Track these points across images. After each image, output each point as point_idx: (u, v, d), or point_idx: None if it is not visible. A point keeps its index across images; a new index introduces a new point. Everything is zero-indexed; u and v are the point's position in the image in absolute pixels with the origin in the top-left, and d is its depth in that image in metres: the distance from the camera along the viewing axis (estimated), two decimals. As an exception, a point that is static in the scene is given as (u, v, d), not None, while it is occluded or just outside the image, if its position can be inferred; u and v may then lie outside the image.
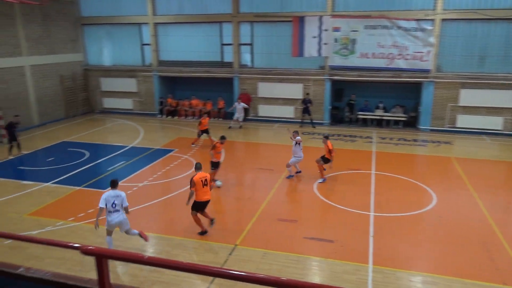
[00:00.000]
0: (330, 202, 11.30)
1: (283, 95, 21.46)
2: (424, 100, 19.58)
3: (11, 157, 15.40)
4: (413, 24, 18.93)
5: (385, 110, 20.75)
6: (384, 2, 19.26)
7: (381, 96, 21.08)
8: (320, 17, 20.00)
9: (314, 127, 20.40)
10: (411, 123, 20.51)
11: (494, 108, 18.76)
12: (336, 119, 21.54)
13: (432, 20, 18.80)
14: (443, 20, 18.74)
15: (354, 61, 20.05)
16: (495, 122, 18.81)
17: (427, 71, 19.28)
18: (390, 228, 9.78)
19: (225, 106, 22.63)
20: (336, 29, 19.99)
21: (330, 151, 12.78)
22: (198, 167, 9.66)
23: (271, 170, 14.01)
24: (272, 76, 21.54)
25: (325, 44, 20.24)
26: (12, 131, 15.37)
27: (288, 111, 21.58)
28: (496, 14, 18.01)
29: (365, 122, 21.06)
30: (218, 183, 12.44)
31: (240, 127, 20.39)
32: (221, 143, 12.47)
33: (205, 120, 17.11)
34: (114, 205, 8.29)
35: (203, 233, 9.43)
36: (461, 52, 18.95)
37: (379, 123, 20.67)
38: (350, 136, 18.78)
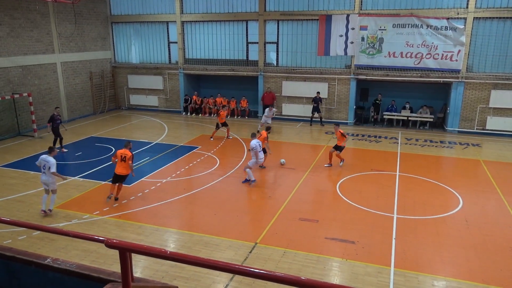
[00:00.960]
0: (352, 203, 11.18)
1: (308, 94, 21.34)
2: (453, 101, 19.06)
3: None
4: (443, 23, 18.45)
5: (412, 110, 20.32)
6: (414, 0, 18.86)
7: (408, 96, 20.67)
8: (347, 16, 19.77)
9: (323, 125, 20.34)
10: (438, 124, 20.02)
11: (527, 110, 18.08)
12: (361, 119, 21.26)
13: (464, 18, 18.27)
14: (475, 18, 18.19)
15: (380, 60, 19.73)
16: (527, 124, 18.13)
17: (457, 71, 18.76)
18: (413, 231, 9.61)
19: (248, 105, 22.72)
20: (364, 28, 19.72)
21: (342, 135, 13.80)
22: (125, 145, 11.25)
23: (293, 169, 13.99)
24: (296, 75, 21.47)
25: (352, 43, 20.01)
26: (54, 126, 15.58)
27: (311, 111, 21.44)
28: (531, 12, 17.33)
29: (390, 123, 20.70)
30: (282, 160, 14.47)
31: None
32: (268, 132, 14.14)
33: (223, 112, 17.47)
34: (44, 167, 10.21)
35: (108, 197, 10.95)
36: (493, 52, 18.36)
37: (405, 123, 20.27)
38: (375, 136, 18.51)
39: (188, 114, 23.57)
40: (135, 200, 11.42)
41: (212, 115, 23.04)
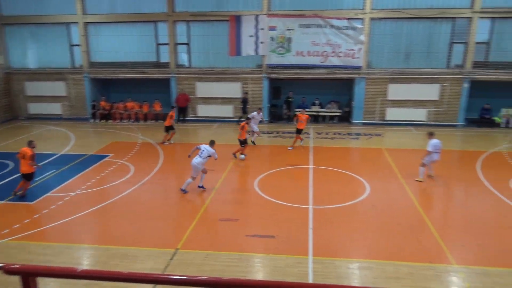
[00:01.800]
0: (271, 199, 11.46)
1: (222, 95, 21.43)
2: (357, 95, 20.53)
3: None
4: (344, 23, 19.76)
5: (321, 106, 21.48)
6: (317, 1, 19.92)
7: (317, 92, 21.78)
8: (256, 16, 20.22)
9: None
10: (345, 117, 21.40)
11: (419, 100, 20.16)
12: (275, 116, 21.91)
13: (362, 19, 19.74)
14: (372, 19, 19.76)
15: (290, 59, 20.51)
16: (420, 114, 20.23)
17: (358, 67, 20.22)
18: (328, 220, 10.13)
19: (162, 108, 22.14)
20: (272, 28, 20.33)
21: (304, 120, 16.08)
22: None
23: (212, 170, 13.92)
24: (210, 76, 21.43)
25: (262, 43, 20.51)
26: None
27: (227, 111, 21.58)
28: (419, 13, 19.33)
29: (303, 119, 21.64)
30: (242, 156, 14.99)
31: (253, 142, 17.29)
32: (247, 123, 15.33)
33: (173, 113, 17.49)
34: None
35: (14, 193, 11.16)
36: (388, 49, 20.11)
37: (315, 119, 21.34)
38: (289, 132, 19.19)
39: (97, 120, 22.26)
40: (41, 218, 10.45)
41: (123, 121, 22.03)
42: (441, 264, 8.18)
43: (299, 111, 16.79)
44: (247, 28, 20.44)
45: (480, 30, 19.37)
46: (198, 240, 9.25)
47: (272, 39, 20.40)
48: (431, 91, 19.98)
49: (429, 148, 12.47)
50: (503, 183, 12.47)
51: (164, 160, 15.17)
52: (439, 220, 10.32)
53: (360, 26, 19.73)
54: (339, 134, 18.84)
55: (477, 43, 19.48)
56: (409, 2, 19.40)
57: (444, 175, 13.45)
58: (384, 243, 9.07)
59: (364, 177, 13.06)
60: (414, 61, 20.12)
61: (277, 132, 19.26)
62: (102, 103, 22.36)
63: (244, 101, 20.75)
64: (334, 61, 20.26)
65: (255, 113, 17.27)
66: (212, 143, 12.20)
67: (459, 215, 10.82)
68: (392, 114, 20.35)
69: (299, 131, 16.30)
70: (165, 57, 21.80)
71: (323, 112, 21.29)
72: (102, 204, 11.26)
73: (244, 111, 20.70)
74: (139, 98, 22.48)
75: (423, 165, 12.73)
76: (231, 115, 21.57)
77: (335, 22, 19.79)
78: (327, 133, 18.93)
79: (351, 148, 17.09)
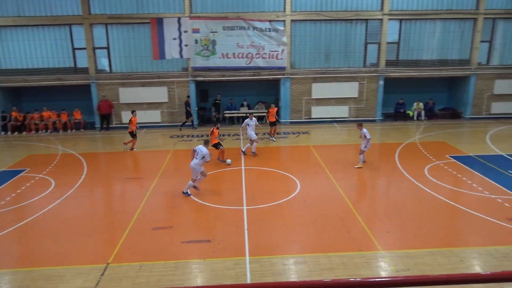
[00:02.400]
0: (204, 202, 11.33)
1: (148, 100, 20.77)
2: (283, 95, 21.10)
3: None
4: (267, 25, 20.20)
5: (249, 107, 21.73)
6: (240, 3, 20.12)
7: (245, 94, 22.03)
8: (179, 19, 19.89)
9: (195, 128, 20.65)
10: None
11: (341, 98, 21.26)
12: (204, 119, 21.75)
13: (283, 21, 20.33)
14: (292, 21, 20.43)
15: (216, 61, 20.49)
16: (342, 111, 21.36)
17: (283, 68, 20.80)
18: (262, 219, 10.27)
19: (82, 116, 20.88)
20: (196, 31, 20.15)
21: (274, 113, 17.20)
22: None
23: (141, 178, 13.45)
24: (134, 81, 20.66)
25: (186, 45, 20.24)
26: None
27: (155, 116, 20.98)
28: (336, 15, 20.39)
29: (232, 120, 21.74)
30: (228, 161, 14.60)
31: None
32: (217, 127, 14.81)
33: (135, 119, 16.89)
34: None
35: None
36: (310, 50, 20.94)
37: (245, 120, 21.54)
38: (219, 135, 19.12)
39: (9, 133, 20.37)
40: None
41: (39, 132, 20.41)
42: (370, 251, 8.68)
43: (270, 107, 17.88)
44: (170, 30, 20.04)
45: (391, 31, 20.96)
46: (131, 252, 8.85)
47: (196, 41, 20.22)
48: (351, 89, 21.19)
49: (368, 136, 13.72)
50: (419, 171, 13.60)
51: (88, 171, 14.32)
52: (365, 210, 10.95)
53: (282, 28, 20.31)
54: (269, 134, 19.21)
55: (389, 43, 21.05)
56: (326, 4, 20.39)
57: (367, 167, 14.31)
58: (317, 236, 9.41)
59: (295, 174, 13.45)
60: (334, 61, 21.19)
61: (207, 135, 19.10)
62: (14, 114, 20.51)
63: (187, 104, 20.39)
64: (259, 62, 20.63)
65: (247, 120, 16.04)
66: (206, 143, 11.91)
67: (382, 204, 11.58)
68: (317, 112, 21.25)
69: (272, 123, 17.65)
70: (83, 62, 20.58)
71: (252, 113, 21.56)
72: (20, 224, 10.31)
73: (188, 115, 20.37)
74: (57, 106, 20.97)
75: (362, 152, 13.97)
76: (158, 120, 20.99)
77: (257, 24, 20.16)
78: (256, 134, 19.17)
79: (280, 147, 17.52)
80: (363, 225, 9.90)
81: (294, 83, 21.10)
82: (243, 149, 15.99)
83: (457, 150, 16.01)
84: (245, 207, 10.97)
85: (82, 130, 20.75)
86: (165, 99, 20.81)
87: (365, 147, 13.91)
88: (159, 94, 20.72)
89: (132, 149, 16.77)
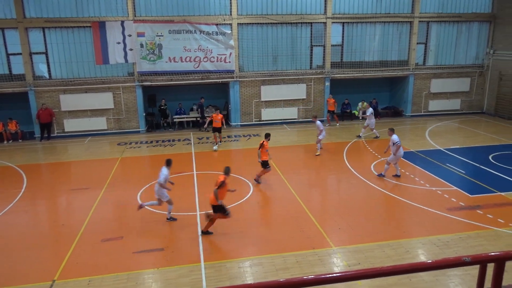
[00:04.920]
0: (156, 211, 11.03)
1: (92, 106, 19.91)
2: (232, 98, 21.10)
3: None
4: (214, 28, 20.12)
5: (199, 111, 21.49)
6: (186, 7, 19.87)
7: (194, 98, 21.75)
8: (122, 22, 19.29)
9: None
10: (224, 121, 21.83)
11: (289, 100, 21.63)
12: (152, 125, 21.23)
13: (230, 24, 20.35)
14: (239, 24, 20.51)
15: (162, 65, 20.08)
16: (292, 112, 21.75)
17: (231, 71, 20.80)
18: (216, 223, 10.15)
19: (18, 127, 19.58)
20: (141, 34, 19.63)
21: (220, 119, 17.09)
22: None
23: (87, 188, 12.85)
24: (76, 87, 19.71)
25: (131, 50, 19.66)
26: None
27: (100, 123, 20.16)
28: (282, 19, 20.73)
29: (182, 125, 21.39)
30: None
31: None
32: (268, 140, 13.23)
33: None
34: None
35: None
36: (257, 53, 21.12)
37: (195, 124, 21.30)
38: (169, 140, 18.79)
39: None
40: None
41: (-27, 144, 18.90)
42: (323, 248, 8.89)
43: (215, 112, 17.81)
44: (113, 34, 19.36)
45: (334, 34, 21.66)
46: (79, 266, 8.43)
47: (141, 45, 19.70)
48: (299, 91, 21.63)
49: (322, 127, 15.59)
50: (366, 168, 14.14)
51: (29, 183, 13.46)
52: (317, 209, 11.20)
53: (229, 31, 20.33)
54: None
55: (333, 45, 21.73)
56: (272, 8, 20.68)
57: (318, 166, 14.66)
58: (271, 237, 9.49)
59: (247, 177, 13.47)
60: (281, 63, 21.52)
61: (157, 141, 18.68)
62: None
63: (201, 107, 20.63)
64: (207, 66, 20.50)
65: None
66: (167, 163, 10.37)
67: (333, 201, 11.90)
68: (267, 114, 21.45)
69: (216, 130, 17.28)
70: (19, 69, 19.31)
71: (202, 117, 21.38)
72: (-49, 245, 9.47)
73: (203, 116, 20.49)
74: (-10, 116, 19.51)
75: (319, 141, 15.82)
76: (104, 128, 20.18)
77: (204, 28, 20.03)
78: (207, 138, 19.04)
79: (232, 150, 17.50)
80: (316, 223, 10.12)
81: (243, 86, 21.18)
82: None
83: (400, 147, 16.83)
84: (198, 213, 10.82)
85: (20, 141, 19.46)
86: (111, 105, 20.06)
87: (322, 136, 15.62)
88: (104, 100, 19.92)
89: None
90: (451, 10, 22.45)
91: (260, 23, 20.77)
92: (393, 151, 12.94)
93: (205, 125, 19.78)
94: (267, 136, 13.25)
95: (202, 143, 18.18)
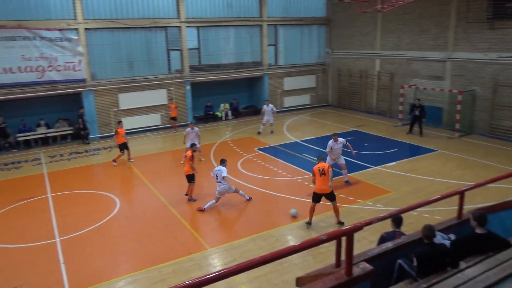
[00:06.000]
0: (4, 245, 9.49)
1: None
2: (87, 109, 19.46)
3: None
4: (57, 34, 18.24)
5: (49, 126, 19.26)
6: (20, 10, 17.51)
7: (41, 112, 19.38)
8: None
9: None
10: (79, 134, 20.05)
11: (151, 106, 20.95)
12: (-6, 147, 18.23)
13: (76, 29, 18.71)
14: (87, 29, 19.00)
15: (-4, 77, 17.38)
16: (155, 119, 21.12)
17: (83, 80, 19.17)
18: (81, 247, 9.25)
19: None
20: (-38, 43, 16.65)
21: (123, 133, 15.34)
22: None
23: None
24: None
25: (-49, 61, 16.52)
26: None
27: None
28: (134, 23, 19.90)
29: (28, 144, 18.78)
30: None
31: (272, 132, 19.47)
32: (193, 150, 12.24)
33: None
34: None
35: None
36: (111, 59, 19.88)
37: (45, 141, 19.00)
38: (13, 163, 16.37)
39: None
40: None
41: None
42: (199, 252, 8.83)
43: (119, 126, 15.81)
44: None
45: (190, 38, 21.74)
46: None
47: (-35, 55, 16.71)
48: (159, 96, 21.10)
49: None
50: (233, 167, 14.55)
51: None
52: (189, 213, 11.06)
53: (75, 37, 18.67)
54: (76, 153, 17.47)
55: (190, 49, 21.79)
56: (122, 12, 19.69)
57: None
58: (144, 250, 9.04)
59: (112, 192, 12.59)
60: (138, 69, 20.67)
61: (-2, 165, 16.12)
62: None
63: (80, 116, 18.62)
64: (53, 75, 18.47)
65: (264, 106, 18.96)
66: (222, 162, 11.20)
67: (204, 203, 11.90)
68: (128, 123, 20.25)
69: (123, 147, 15.52)
70: None
71: (52, 132, 19.17)
72: None
73: (85, 127, 18.80)
74: None
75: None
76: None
77: (45, 34, 17.99)
78: (61, 155, 17.19)
79: (93, 165, 16.12)
80: (189, 228, 10.01)
81: (98, 95, 19.70)
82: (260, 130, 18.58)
83: (263, 143, 17.82)
84: (58, 239, 9.68)
85: None
86: None
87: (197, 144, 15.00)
88: None
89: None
90: (293, 14, 24.67)
91: (111, 28, 19.60)
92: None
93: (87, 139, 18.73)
94: (192, 146, 12.47)
95: (56, 161, 16.33)
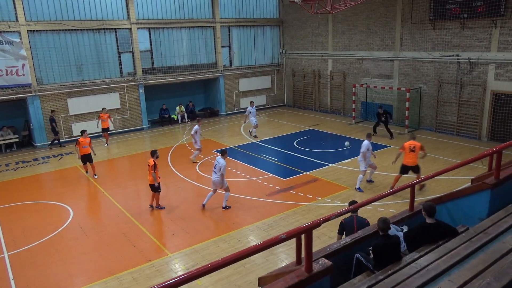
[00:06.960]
0: None
1: None
2: (33, 116, 18.48)
3: None
4: (-4, 37, 17.20)
5: (-8, 134, 18.11)
6: (-48, 12, 16.34)
7: (-19, 120, 18.20)
8: None
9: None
10: (26, 142, 19.00)
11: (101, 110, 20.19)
12: None
13: (18, 32, 17.72)
14: (30, 31, 18.05)
15: None
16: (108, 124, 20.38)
17: (28, 85, 18.18)
18: (32, 261, 8.77)
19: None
20: None
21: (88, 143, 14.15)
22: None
23: None
24: None
25: None
26: None
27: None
28: (81, 25, 19.14)
29: (-31, 154, 17.60)
30: None
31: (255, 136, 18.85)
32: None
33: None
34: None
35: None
36: (58, 63, 19.01)
37: (-9, 150, 17.86)
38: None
39: None
40: None
41: None
42: (159, 258, 8.65)
43: (81, 136, 14.20)
44: None
45: (141, 40, 21.22)
46: None
47: None
48: (112, 100, 20.42)
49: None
50: (191, 170, 14.39)
51: None
52: (148, 219, 10.80)
53: (17, 40, 17.67)
54: (23, 162, 16.54)
55: (142, 51, 21.28)
56: (68, 14, 18.88)
57: (143, 176, 14.15)
58: (102, 260, 8.72)
59: (64, 201, 12.04)
60: (87, 73, 19.89)
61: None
62: None
63: (52, 120, 17.96)
64: (-5, 81, 17.41)
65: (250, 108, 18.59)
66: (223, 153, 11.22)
67: (171, 210, 11.68)
68: (80, 128, 19.37)
69: (86, 159, 14.08)
70: None
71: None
72: None
73: (55, 132, 18.14)
74: None
75: (198, 149, 15.25)
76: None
77: (-16, 36, 16.93)
78: (7, 165, 16.21)
79: (42, 173, 15.30)
80: (149, 234, 9.77)
81: (45, 101, 18.74)
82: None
83: (221, 145, 17.75)
84: (6, 254, 9.12)
85: None
86: None
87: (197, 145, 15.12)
88: None
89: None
90: (246, 16, 24.79)
91: (57, 30, 18.74)
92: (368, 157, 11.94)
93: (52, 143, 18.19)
94: (153, 153, 11.32)
95: (1, 171, 15.37)
